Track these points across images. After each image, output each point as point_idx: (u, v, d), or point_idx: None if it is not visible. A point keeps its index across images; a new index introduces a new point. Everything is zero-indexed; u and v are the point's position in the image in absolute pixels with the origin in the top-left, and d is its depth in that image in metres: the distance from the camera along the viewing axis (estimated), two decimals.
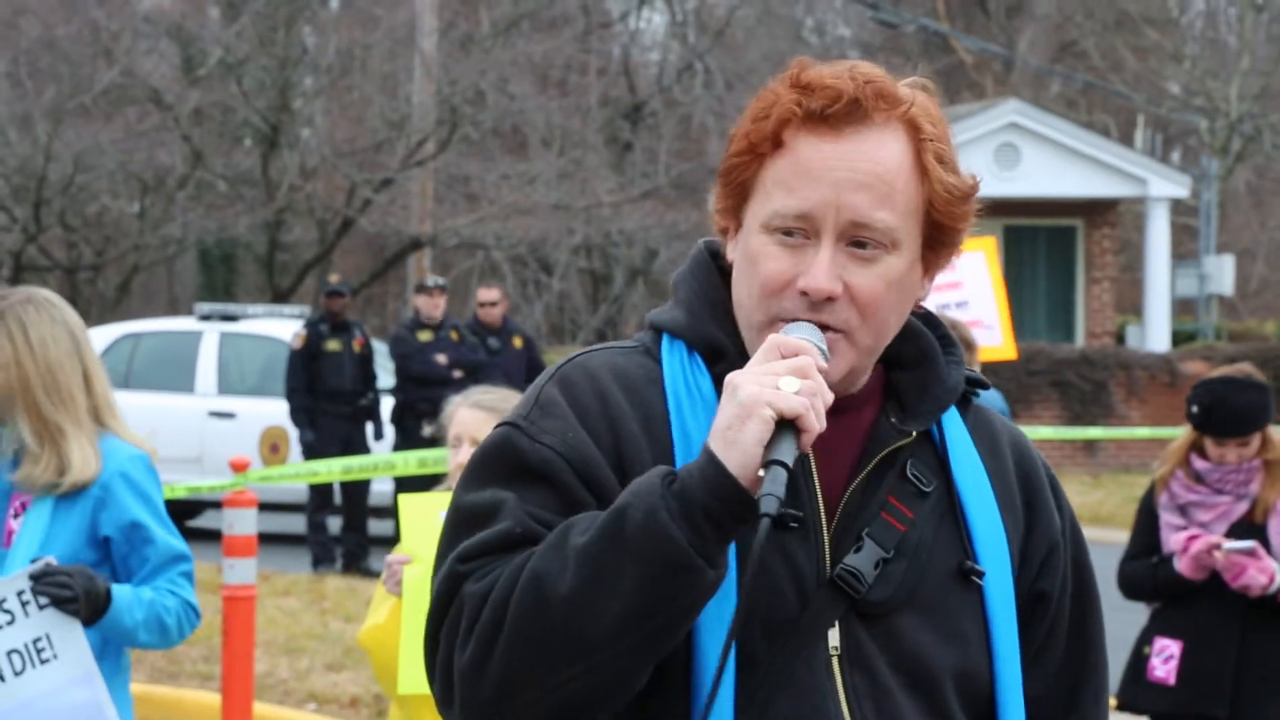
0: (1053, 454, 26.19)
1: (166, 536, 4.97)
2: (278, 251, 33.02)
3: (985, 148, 28.72)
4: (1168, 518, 6.90)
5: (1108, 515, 21.45)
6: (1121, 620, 9.39)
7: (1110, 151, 29.89)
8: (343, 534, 16.50)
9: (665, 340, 2.66)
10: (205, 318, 19.58)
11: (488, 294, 17.77)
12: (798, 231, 2.56)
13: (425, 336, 16.87)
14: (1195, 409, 6.79)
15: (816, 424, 2.42)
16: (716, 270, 2.71)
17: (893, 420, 2.66)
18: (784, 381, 2.42)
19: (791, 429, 2.40)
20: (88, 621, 4.80)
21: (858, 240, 2.56)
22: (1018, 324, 29.86)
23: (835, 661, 2.55)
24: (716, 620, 2.49)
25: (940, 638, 2.61)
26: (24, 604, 4.75)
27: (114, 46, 31.42)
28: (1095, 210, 30.17)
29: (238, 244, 34.69)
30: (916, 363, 2.70)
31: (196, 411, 18.63)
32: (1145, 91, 37.71)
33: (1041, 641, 2.75)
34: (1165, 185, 29.79)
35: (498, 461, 2.56)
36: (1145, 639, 6.99)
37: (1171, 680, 6.86)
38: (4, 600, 4.75)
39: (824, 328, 2.55)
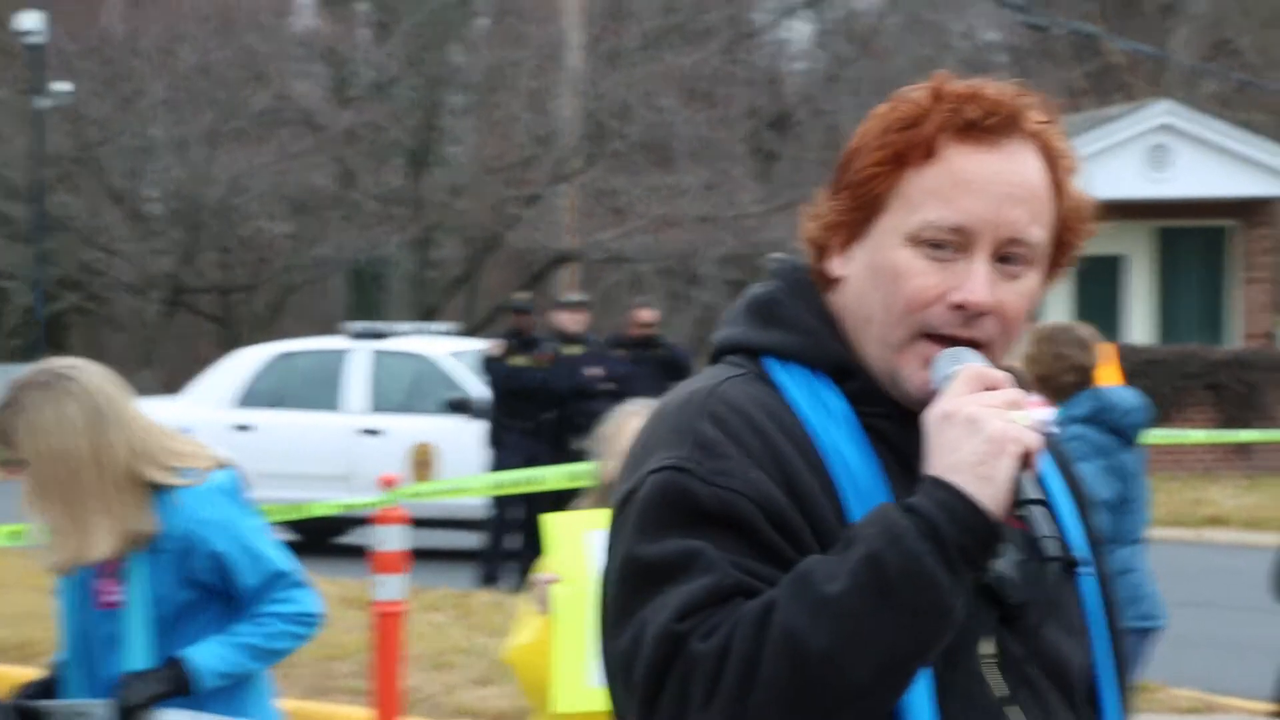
0: (1206, 457, 25.80)
1: (255, 562, 5.00)
2: (426, 269, 33.26)
3: (1137, 149, 28.38)
4: None
5: (1264, 519, 21.11)
6: (1272, 623, 9.26)
7: (1265, 149, 29.42)
8: (524, 550, 16.49)
9: (775, 365, 2.58)
10: (356, 336, 19.76)
11: (648, 315, 17.71)
12: (949, 245, 2.51)
13: (574, 350, 16.93)
14: None
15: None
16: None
17: None
18: (1015, 415, 2.41)
19: (1023, 464, 2.42)
20: (187, 695, 4.97)
21: (1004, 256, 2.52)
22: (1171, 326, 29.51)
23: (994, 669, 2.52)
24: None
25: (1067, 635, 2.60)
26: None
27: (267, 70, 31.82)
28: (1251, 210, 29.71)
29: (387, 262, 35.01)
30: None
31: (346, 429, 18.80)
32: None
33: None
34: None
35: (671, 509, 2.45)
36: None
37: None
38: None
39: (973, 343, 2.52)
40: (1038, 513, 2.41)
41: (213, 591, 5.03)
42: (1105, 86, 38.45)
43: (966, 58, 40.80)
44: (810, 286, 2.63)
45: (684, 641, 2.39)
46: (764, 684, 2.35)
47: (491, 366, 16.89)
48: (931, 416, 2.45)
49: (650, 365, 17.22)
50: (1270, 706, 7.21)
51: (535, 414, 16.66)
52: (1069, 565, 2.61)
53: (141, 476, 4.94)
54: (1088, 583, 2.66)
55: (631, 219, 31.89)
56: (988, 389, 2.44)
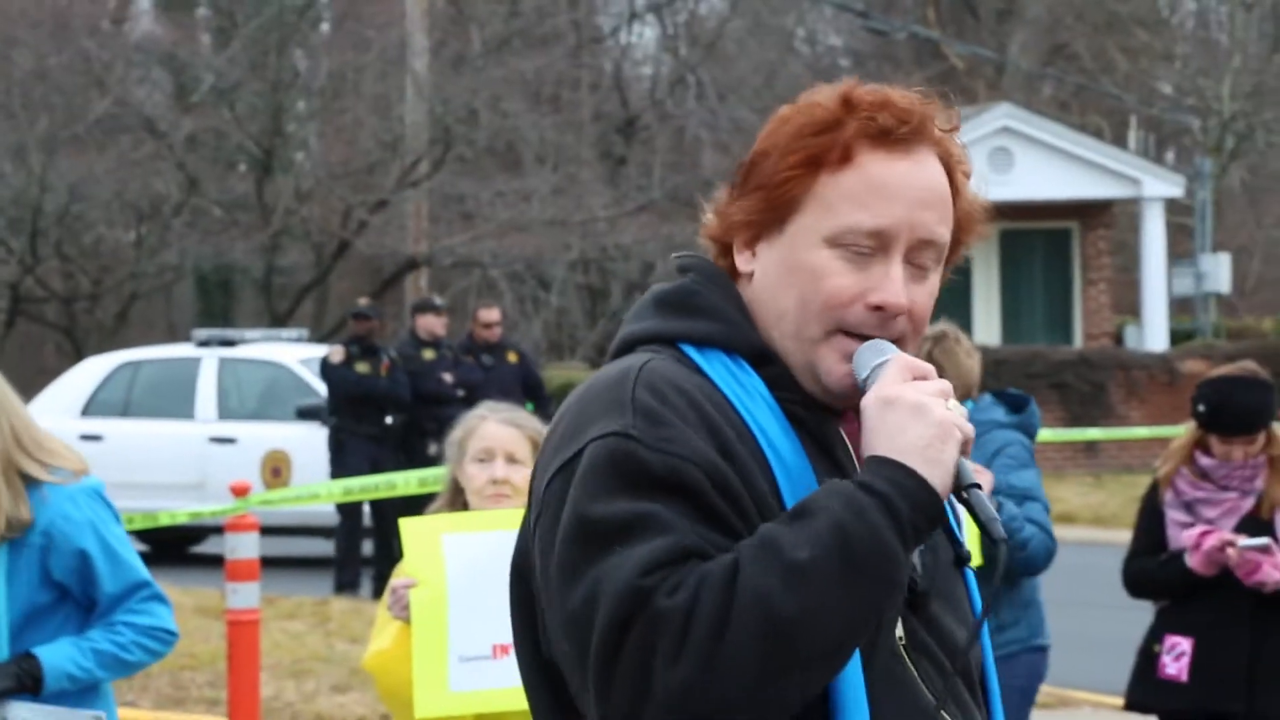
0: (1053, 456, 26.17)
1: (117, 568, 5.01)
2: (274, 275, 33.01)
3: (978, 152, 28.70)
4: (1174, 515, 6.88)
5: (1110, 516, 21.44)
6: (1125, 620, 9.39)
7: (1103, 153, 29.89)
8: (376, 557, 16.38)
9: (692, 351, 2.64)
10: (203, 343, 19.54)
11: (490, 314, 17.65)
12: (865, 246, 2.62)
13: (429, 355, 16.87)
14: (1202, 408, 6.78)
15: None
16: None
17: None
18: (951, 404, 2.53)
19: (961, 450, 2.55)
20: (33, 694, 4.94)
21: (914, 256, 2.64)
22: (1016, 327, 29.90)
23: (904, 651, 2.61)
24: None
25: (959, 623, 2.70)
26: None
27: (106, 76, 31.43)
28: (1090, 212, 30.16)
29: (234, 269, 34.69)
30: None
31: (197, 437, 18.60)
32: (1137, 92, 37.71)
33: None
34: (1159, 185, 29.78)
35: (620, 474, 2.50)
36: (1154, 637, 6.96)
37: (1184, 677, 6.83)
38: None
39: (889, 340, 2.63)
40: (980, 496, 2.51)
41: (69, 595, 5.02)
42: (946, 90, 38.78)
43: (810, 62, 41.09)
44: (725, 279, 2.71)
45: (649, 597, 2.42)
46: (732, 643, 2.40)
47: (332, 373, 16.76)
48: (870, 401, 2.54)
49: (501, 370, 17.20)
50: (1120, 701, 7.32)
51: (378, 420, 16.59)
52: (960, 559, 2.74)
53: (18, 466, 4.92)
54: (970, 575, 2.77)
55: (480, 224, 31.82)
56: (919, 378, 2.54)
